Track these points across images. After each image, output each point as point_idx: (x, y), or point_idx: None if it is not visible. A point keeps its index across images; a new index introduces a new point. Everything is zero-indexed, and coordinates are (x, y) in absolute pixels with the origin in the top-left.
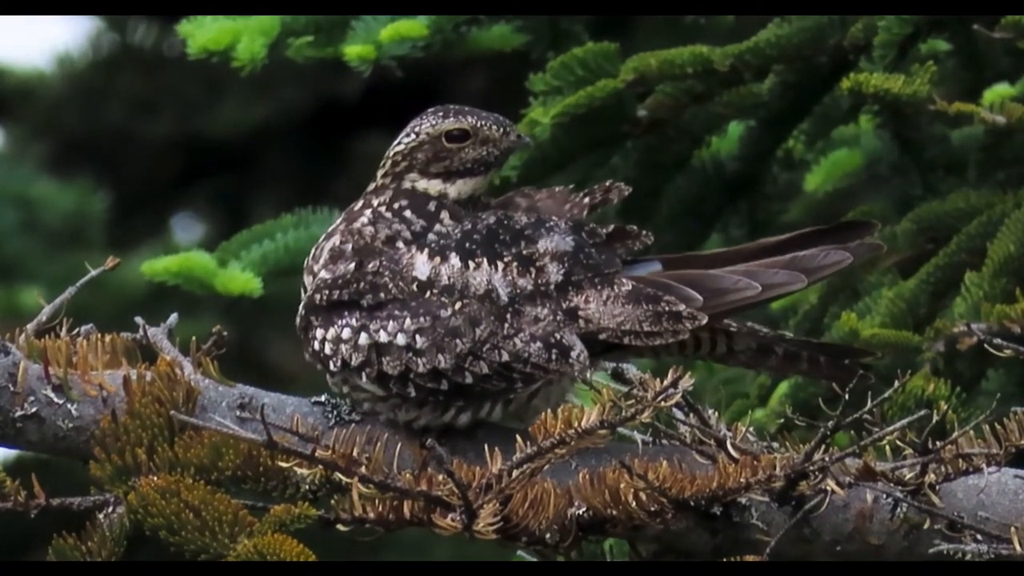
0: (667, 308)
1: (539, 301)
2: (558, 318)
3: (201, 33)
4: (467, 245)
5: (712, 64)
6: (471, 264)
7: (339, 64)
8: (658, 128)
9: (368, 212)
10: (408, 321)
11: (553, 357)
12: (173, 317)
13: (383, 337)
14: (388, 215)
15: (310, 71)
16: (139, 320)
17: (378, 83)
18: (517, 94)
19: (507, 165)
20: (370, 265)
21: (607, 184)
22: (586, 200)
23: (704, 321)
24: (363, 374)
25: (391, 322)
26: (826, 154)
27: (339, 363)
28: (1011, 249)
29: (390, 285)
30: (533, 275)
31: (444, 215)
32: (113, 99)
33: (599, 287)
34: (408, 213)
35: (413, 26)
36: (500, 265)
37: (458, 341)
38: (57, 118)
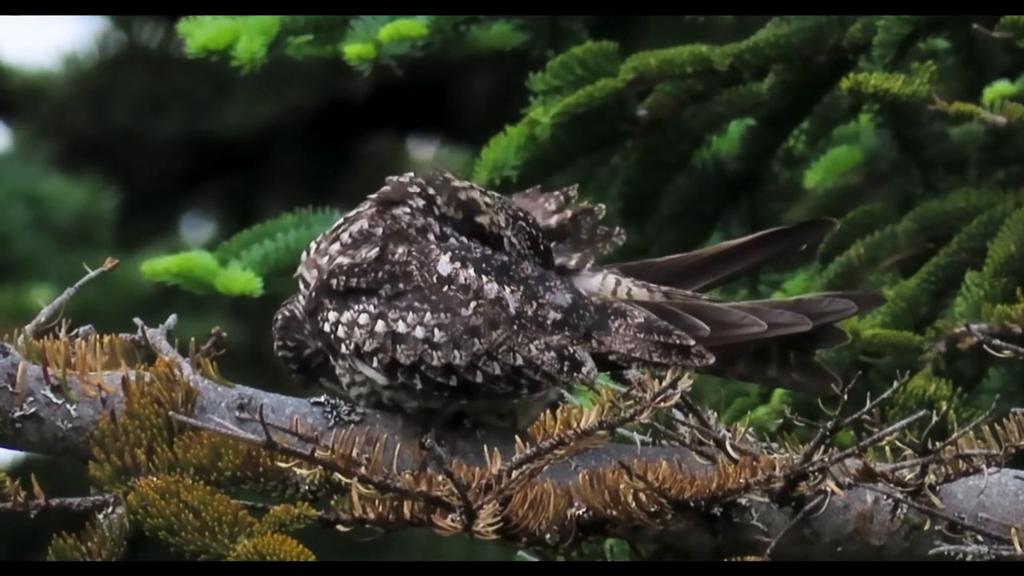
0: (677, 342)
1: (539, 328)
2: (571, 335)
3: (200, 32)
4: (483, 265)
5: (712, 64)
6: (484, 277)
7: (345, 64)
8: (658, 128)
9: (420, 202)
10: (428, 315)
11: (564, 368)
12: (172, 318)
13: (401, 327)
14: (435, 211)
15: (317, 71)
16: (138, 321)
17: (385, 83)
18: (521, 94)
19: (507, 164)
20: (398, 251)
21: (565, 189)
22: (557, 193)
23: (711, 361)
24: (374, 360)
25: (411, 314)
26: (826, 152)
27: (352, 347)
28: (1012, 248)
29: (415, 273)
30: (535, 307)
31: (474, 239)
32: (120, 99)
33: (611, 318)
34: (449, 227)
35: (412, 26)
36: (508, 288)
37: (476, 340)
38: (64, 118)
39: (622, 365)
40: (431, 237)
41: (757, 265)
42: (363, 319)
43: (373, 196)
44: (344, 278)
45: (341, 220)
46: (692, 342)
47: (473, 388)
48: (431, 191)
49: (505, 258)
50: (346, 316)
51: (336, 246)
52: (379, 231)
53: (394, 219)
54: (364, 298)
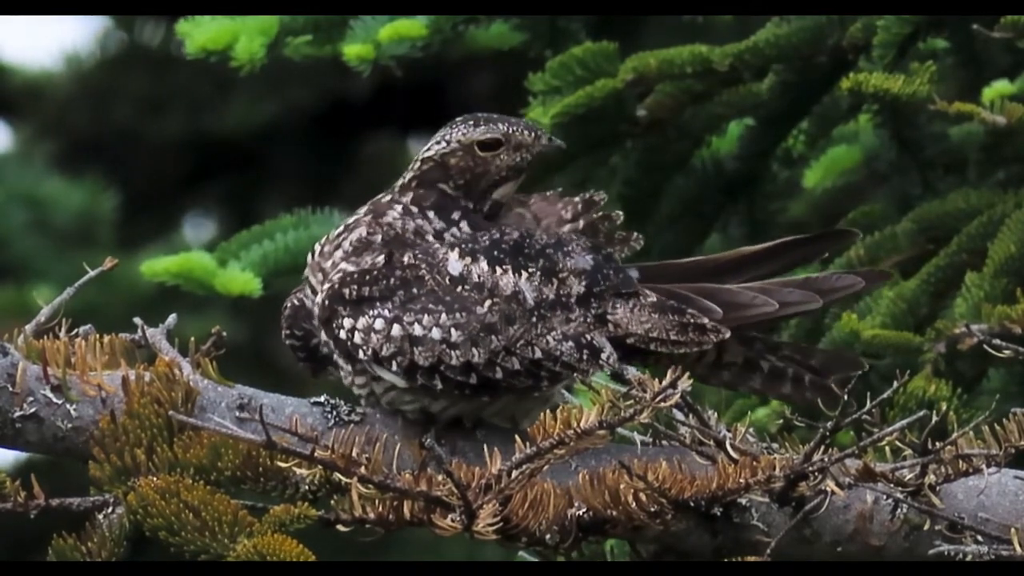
0: (692, 320)
1: (562, 310)
2: (588, 320)
3: (199, 33)
4: (495, 253)
5: (711, 64)
6: (498, 269)
7: (345, 64)
8: (658, 128)
9: (399, 207)
10: (444, 316)
11: (584, 357)
12: (172, 318)
13: (417, 330)
14: (415, 210)
15: (317, 71)
16: (138, 321)
17: (385, 83)
18: (521, 94)
19: None
20: (405, 257)
21: (591, 193)
22: (576, 200)
23: (727, 335)
24: (393, 363)
25: (426, 316)
26: (825, 151)
27: (369, 352)
28: (1012, 249)
29: (427, 277)
30: (555, 286)
31: (464, 224)
32: (121, 99)
33: (625, 297)
34: (431, 213)
35: (412, 26)
36: (524, 274)
37: (493, 337)
38: (65, 118)
39: (640, 347)
40: (430, 239)
41: (776, 272)
42: (379, 324)
43: (365, 206)
44: (356, 286)
45: (341, 228)
46: (706, 320)
47: (493, 384)
48: (410, 182)
49: (516, 235)
50: (361, 322)
51: (339, 252)
52: (378, 238)
53: (389, 226)
54: (378, 304)
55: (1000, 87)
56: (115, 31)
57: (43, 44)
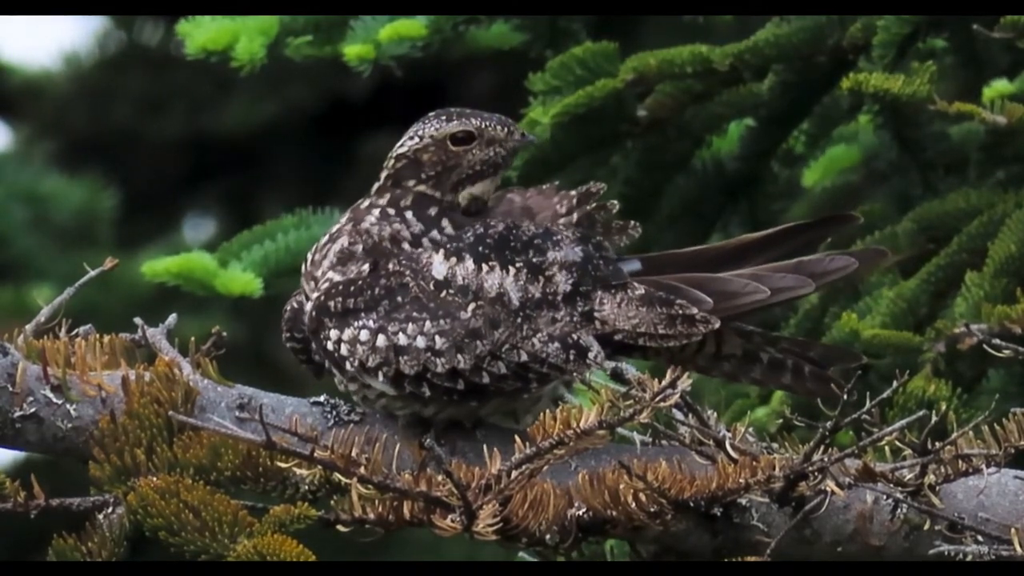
0: (680, 311)
1: (548, 308)
2: (575, 319)
3: (199, 33)
4: (480, 249)
5: (712, 64)
6: (484, 267)
7: (345, 64)
8: (658, 128)
9: (376, 211)
10: (428, 324)
11: (571, 358)
12: (172, 318)
13: (402, 340)
14: (391, 212)
15: (317, 71)
16: (138, 320)
17: (385, 83)
18: (521, 94)
19: None
20: (389, 265)
21: (588, 185)
22: (573, 194)
23: (717, 325)
24: (379, 373)
25: (410, 324)
26: (824, 151)
27: (355, 364)
28: (1012, 249)
29: (411, 284)
30: (541, 284)
31: (445, 222)
32: (120, 99)
33: (612, 291)
34: (409, 214)
35: (412, 26)
36: (512, 270)
37: (478, 342)
38: (64, 117)
39: (629, 343)
40: (406, 247)
41: (779, 258)
42: (364, 335)
43: (346, 214)
44: (341, 298)
45: (326, 238)
46: (695, 310)
47: (481, 389)
48: (384, 183)
49: (502, 227)
50: (347, 333)
51: (327, 262)
52: (359, 248)
53: (367, 234)
54: (363, 315)
55: (1000, 87)
56: (114, 31)
57: (43, 44)
